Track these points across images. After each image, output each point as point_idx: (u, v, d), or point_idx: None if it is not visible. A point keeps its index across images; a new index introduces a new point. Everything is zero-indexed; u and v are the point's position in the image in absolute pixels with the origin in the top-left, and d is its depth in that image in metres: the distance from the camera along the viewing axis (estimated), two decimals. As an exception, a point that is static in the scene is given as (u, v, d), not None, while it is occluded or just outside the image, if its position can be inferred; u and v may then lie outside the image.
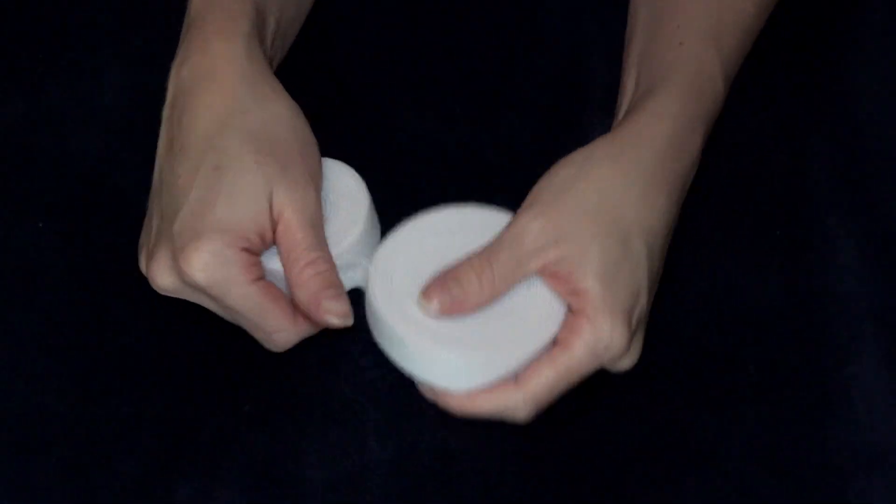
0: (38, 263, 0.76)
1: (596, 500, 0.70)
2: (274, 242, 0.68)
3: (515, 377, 0.67)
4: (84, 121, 0.82)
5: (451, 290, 0.67)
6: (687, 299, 0.76)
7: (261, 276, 0.67)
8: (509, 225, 0.68)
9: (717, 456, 0.72)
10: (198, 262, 0.65)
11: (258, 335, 0.69)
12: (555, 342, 0.67)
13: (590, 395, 0.72)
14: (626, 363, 0.69)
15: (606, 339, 0.66)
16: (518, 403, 0.67)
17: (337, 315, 0.67)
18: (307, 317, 0.68)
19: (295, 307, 0.68)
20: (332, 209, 0.71)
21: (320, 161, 0.71)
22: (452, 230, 0.70)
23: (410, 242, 0.70)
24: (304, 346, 0.73)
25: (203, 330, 0.73)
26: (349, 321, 0.67)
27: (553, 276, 0.67)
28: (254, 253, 0.67)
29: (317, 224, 0.68)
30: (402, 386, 0.72)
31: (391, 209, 0.72)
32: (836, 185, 0.81)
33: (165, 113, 0.71)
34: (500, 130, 0.83)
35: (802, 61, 0.87)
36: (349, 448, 0.70)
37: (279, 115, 0.69)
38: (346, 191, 0.72)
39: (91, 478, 0.69)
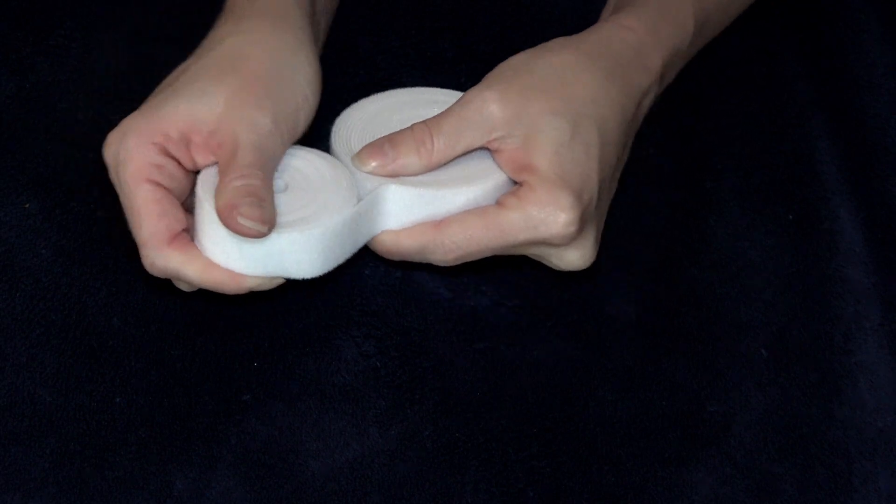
0: (25, 246, 0.75)
1: (602, 481, 0.70)
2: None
3: (437, 221, 0.66)
4: (75, 100, 0.81)
5: (386, 153, 0.66)
6: (703, 277, 0.76)
7: (158, 183, 0.64)
8: (460, 98, 0.67)
9: (724, 436, 0.72)
10: (110, 139, 0.65)
11: (138, 244, 0.66)
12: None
13: (593, 376, 0.72)
14: (574, 258, 0.68)
15: (546, 211, 0.65)
16: (436, 244, 0.66)
17: (250, 218, 0.62)
18: (227, 223, 0.63)
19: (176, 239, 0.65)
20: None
21: (304, 117, 0.68)
22: (416, 104, 0.71)
23: (370, 110, 0.70)
24: (304, 332, 0.72)
25: (200, 317, 0.73)
26: (264, 229, 0.62)
27: (500, 152, 0.66)
28: (169, 155, 0.64)
29: (264, 149, 0.65)
30: (405, 373, 0.72)
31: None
32: (844, 174, 0.82)
33: None
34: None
35: (810, 51, 0.88)
36: (349, 437, 0.70)
37: (271, 43, 0.67)
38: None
39: (84, 470, 0.68)
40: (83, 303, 0.73)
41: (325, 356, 0.72)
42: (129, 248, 0.74)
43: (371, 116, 0.70)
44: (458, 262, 0.67)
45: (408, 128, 0.67)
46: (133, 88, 0.74)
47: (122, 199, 0.65)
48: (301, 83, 0.67)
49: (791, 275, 0.78)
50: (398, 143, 0.66)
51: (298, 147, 0.68)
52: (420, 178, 0.67)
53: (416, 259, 0.67)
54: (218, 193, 0.63)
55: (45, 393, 0.70)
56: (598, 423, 0.72)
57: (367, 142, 0.68)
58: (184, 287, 0.67)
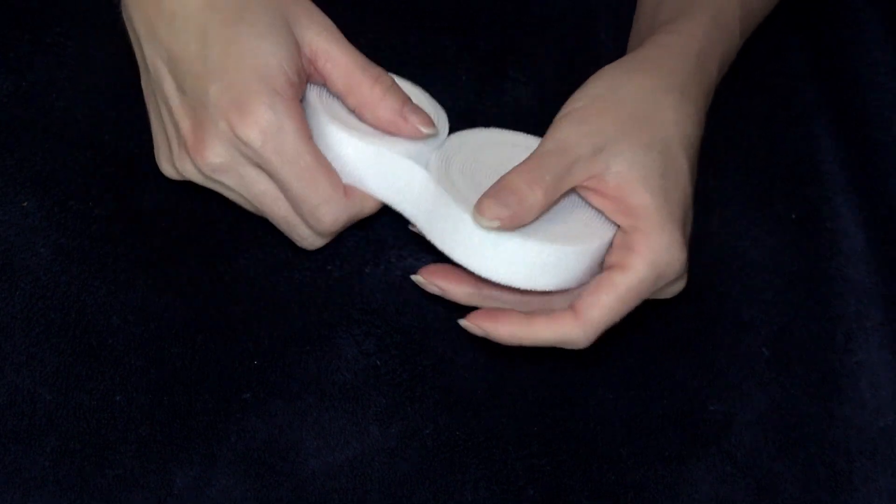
0: (24, 245, 0.75)
1: (602, 480, 0.70)
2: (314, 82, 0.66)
3: (572, 306, 0.64)
4: (72, 98, 0.80)
5: (506, 200, 0.63)
6: (704, 275, 0.76)
7: (310, 136, 0.64)
8: (548, 134, 0.65)
9: (725, 435, 0.72)
10: (250, 119, 0.62)
11: (302, 210, 0.64)
12: (609, 267, 0.64)
13: (594, 375, 0.72)
14: (679, 287, 0.67)
15: (667, 255, 0.63)
16: (577, 334, 0.64)
17: (424, 124, 0.65)
18: (394, 129, 0.65)
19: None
20: None
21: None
22: (501, 145, 0.69)
23: (465, 146, 0.68)
24: (304, 330, 0.72)
25: (200, 315, 0.72)
26: (434, 130, 0.65)
27: (598, 192, 0.64)
28: (298, 97, 0.64)
29: (356, 51, 0.65)
30: (405, 371, 0.71)
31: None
32: (846, 173, 0.82)
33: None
34: (507, 99, 0.82)
35: (812, 51, 0.88)
36: (349, 435, 0.70)
37: None
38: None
39: (84, 468, 0.68)
40: (82, 301, 0.73)
41: (326, 354, 0.72)
42: (128, 246, 0.74)
43: (467, 155, 0.68)
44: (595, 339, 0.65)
45: (513, 173, 0.63)
46: (130, 86, 0.73)
47: (286, 168, 0.63)
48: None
49: (792, 274, 0.78)
50: (516, 192, 0.63)
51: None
52: (537, 231, 0.64)
53: (550, 346, 0.65)
54: (369, 110, 0.64)
55: (45, 391, 0.70)
56: (598, 422, 0.72)
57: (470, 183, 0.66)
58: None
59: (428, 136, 0.65)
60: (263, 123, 0.62)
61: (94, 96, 0.80)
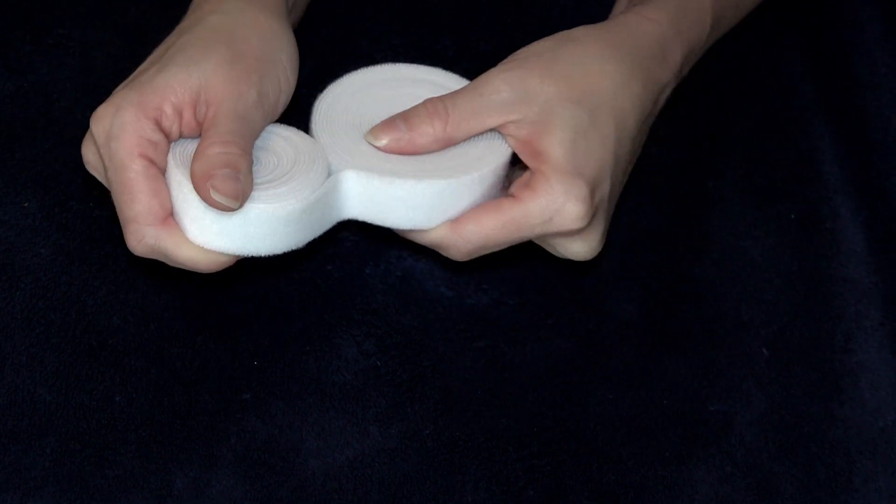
0: (24, 245, 0.75)
1: (602, 480, 0.70)
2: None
3: (454, 219, 0.66)
4: (73, 99, 0.80)
5: (399, 128, 0.65)
6: (704, 275, 0.76)
7: (151, 160, 0.63)
8: (477, 78, 0.66)
9: (725, 435, 0.72)
10: (101, 113, 0.63)
11: (122, 223, 0.64)
12: (506, 195, 0.66)
13: (594, 375, 0.72)
14: (582, 249, 0.67)
15: (560, 201, 0.64)
16: (451, 241, 0.66)
17: (224, 193, 0.61)
18: (200, 193, 0.62)
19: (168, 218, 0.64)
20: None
21: (284, 98, 0.67)
22: (400, 82, 0.70)
23: (350, 88, 0.69)
24: (304, 331, 0.72)
25: (200, 315, 0.72)
26: (235, 205, 0.62)
27: (513, 136, 0.66)
28: (162, 131, 0.63)
29: (247, 120, 0.64)
30: (405, 372, 0.71)
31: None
32: (846, 173, 0.82)
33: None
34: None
35: (812, 51, 0.88)
36: (350, 435, 0.69)
37: (258, 23, 0.67)
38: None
39: (84, 469, 0.68)
40: (83, 301, 0.73)
41: (326, 355, 0.72)
42: (125, 248, 0.74)
43: (353, 93, 0.69)
44: (472, 257, 0.67)
45: (421, 104, 0.66)
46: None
47: (112, 174, 0.63)
48: (284, 63, 0.67)
49: (792, 274, 0.78)
50: (412, 119, 0.66)
51: (276, 124, 0.68)
52: (392, 166, 0.66)
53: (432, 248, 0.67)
54: (196, 157, 0.62)
55: (45, 392, 0.70)
56: (598, 422, 0.72)
57: (350, 119, 0.67)
58: (171, 263, 0.65)
59: (223, 207, 0.62)
60: (105, 123, 0.63)
61: (95, 96, 0.79)
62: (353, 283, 0.73)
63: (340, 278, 0.75)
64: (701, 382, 0.73)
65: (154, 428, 0.69)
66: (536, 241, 0.69)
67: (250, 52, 0.65)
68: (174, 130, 0.64)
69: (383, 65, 0.71)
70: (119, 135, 0.63)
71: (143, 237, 0.63)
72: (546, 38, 0.68)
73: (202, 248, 0.64)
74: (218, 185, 0.61)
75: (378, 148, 0.66)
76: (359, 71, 0.71)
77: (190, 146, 0.65)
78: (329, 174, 0.65)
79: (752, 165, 0.82)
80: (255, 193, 0.63)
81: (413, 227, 0.66)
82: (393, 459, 0.69)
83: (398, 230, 0.67)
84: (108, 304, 0.73)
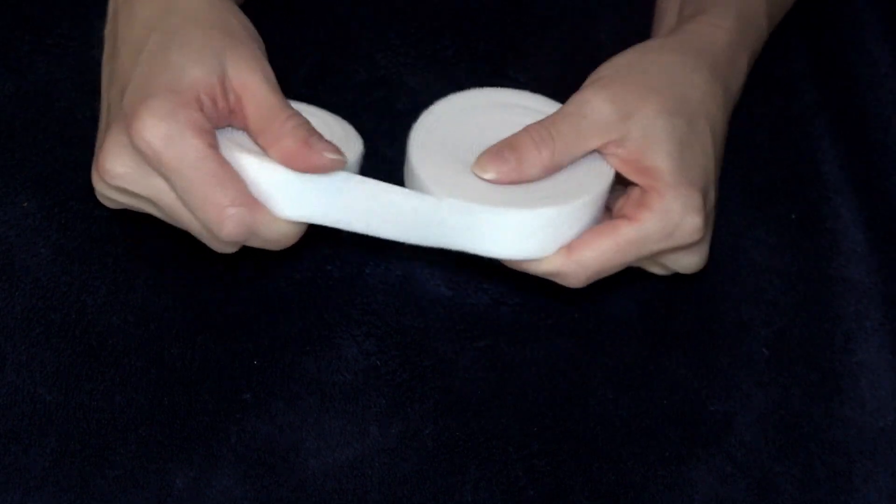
0: (24, 245, 0.75)
1: (602, 480, 0.70)
2: (231, 122, 0.64)
3: (569, 244, 0.64)
4: (73, 99, 0.80)
5: (507, 159, 0.63)
6: (704, 275, 0.76)
7: (215, 145, 0.62)
8: (570, 99, 0.65)
9: (725, 435, 0.72)
10: (150, 122, 0.60)
11: (209, 216, 0.63)
12: (619, 216, 0.64)
13: (594, 375, 0.72)
14: (694, 261, 0.67)
15: (678, 216, 0.63)
16: (568, 269, 0.64)
17: (332, 151, 0.62)
18: (300, 158, 0.62)
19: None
20: None
21: (265, 55, 0.67)
22: (492, 108, 0.68)
23: (449, 120, 0.68)
24: (304, 331, 0.72)
25: (200, 315, 0.72)
26: (343, 160, 0.62)
27: (617, 156, 0.65)
28: (207, 118, 0.63)
29: (279, 92, 0.63)
30: (405, 372, 0.71)
31: (397, 175, 0.70)
32: (846, 174, 0.82)
33: (107, 28, 0.68)
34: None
35: (812, 51, 0.88)
36: (350, 435, 0.69)
37: (226, 9, 0.66)
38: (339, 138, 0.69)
39: (84, 469, 0.68)
40: (83, 301, 0.73)
41: (326, 355, 0.72)
42: (128, 246, 0.74)
43: (448, 121, 0.68)
44: (590, 283, 0.65)
45: (524, 132, 0.64)
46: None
47: (184, 173, 0.61)
48: (256, 33, 0.66)
49: (792, 274, 0.78)
50: (519, 149, 0.64)
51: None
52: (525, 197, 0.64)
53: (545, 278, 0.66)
54: (279, 137, 0.62)
55: (45, 392, 0.70)
56: (598, 422, 0.72)
57: (449, 149, 0.66)
58: (255, 244, 0.65)
59: (335, 165, 0.63)
60: (163, 128, 0.61)
61: (95, 96, 0.80)
62: (353, 283, 0.73)
63: (340, 278, 0.75)
64: (701, 382, 0.73)
65: (154, 428, 0.69)
66: (644, 265, 0.68)
67: (238, 30, 0.65)
68: (213, 119, 0.63)
69: (471, 90, 0.70)
70: (182, 133, 0.61)
71: (242, 219, 0.62)
72: (625, 52, 0.68)
73: (288, 221, 0.64)
74: (317, 146, 0.61)
75: (486, 180, 0.64)
76: (449, 97, 0.69)
77: (229, 132, 0.64)
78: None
79: (752, 165, 0.82)
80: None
81: (526, 257, 0.65)
82: (393, 459, 0.69)
83: (506, 260, 0.66)
84: (108, 304, 0.73)
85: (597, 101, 0.64)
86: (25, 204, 0.76)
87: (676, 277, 0.71)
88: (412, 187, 0.66)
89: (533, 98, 0.70)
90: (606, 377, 0.73)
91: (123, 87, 0.63)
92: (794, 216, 0.80)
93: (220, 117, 0.63)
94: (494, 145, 0.65)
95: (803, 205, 0.80)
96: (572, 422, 0.71)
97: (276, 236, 0.64)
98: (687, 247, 0.65)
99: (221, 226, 0.63)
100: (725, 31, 0.70)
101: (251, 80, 0.63)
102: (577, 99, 0.65)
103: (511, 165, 0.64)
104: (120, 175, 0.63)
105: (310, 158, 0.62)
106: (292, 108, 0.63)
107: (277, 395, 0.70)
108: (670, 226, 0.63)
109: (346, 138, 0.68)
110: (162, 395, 0.70)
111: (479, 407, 0.71)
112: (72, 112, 0.79)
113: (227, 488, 0.68)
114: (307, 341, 0.72)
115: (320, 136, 0.63)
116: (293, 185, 0.63)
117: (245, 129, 0.64)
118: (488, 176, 0.64)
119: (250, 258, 0.74)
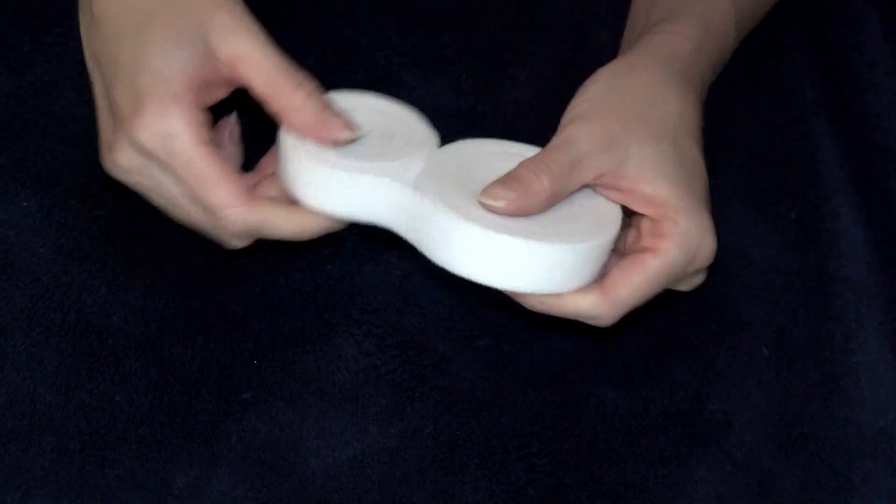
0: (24, 245, 0.75)
1: (603, 479, 0.70)
2: (237, 88, 0.64)
3: (600, 284, 0.64)
4: (73, 98, 0.80)
5: (513, 188, 0.63)
6: (707, 275, 0.76)
7: (210, 141, 0.63)
8: (555, 137, 0.65)
9: (725, 435, 0.72)
10: (141, 123, 0.61)
11: (207, 217, 0.64)
12: (640, 250, 0.64)
13: (594, 374, 0.72)
14: (701, 279, 0.67)
15: (697, 240, 0.63)
16: (603, 311, 0.64)
17: (348, 127, 0.63)
18: (315, 132, 0.63)
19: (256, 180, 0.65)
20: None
21: None
22: (492, 155, 0.68)
23: (453, 161, 0.67)
24: (304, 330, 0.72)
25: (199, 315, 0.72)
26: (357, 132, 0.63)
27: (614, 188, 0.65)
28: (203, 109, 0.63)
29: (284, 60, 0.63)
30: (405, 371, 0.71)
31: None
32: (846, 173, 0.82)
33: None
34: (506, 99, 0.82)
35: (812, 51, 0.88)
36: (350, 435, 0.69)
37: None
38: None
39: (84, 468, 0.68)
40: (83, 301, 0.73)
41: (326, 354, 0.72)
42: (128, 246, 0.74)
43: (456, 163, 0.67)
44: (620, 318, 0.65)
45: (521, 165, 0.64)
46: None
47: (184, 170, 0.62)
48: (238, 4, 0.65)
49: (792, 273, 0.78)
50: (522, 179, 0.63)
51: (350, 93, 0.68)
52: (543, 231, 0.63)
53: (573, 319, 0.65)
54: (289, 110, 0.63)
55: (45, 391, 0.70)
56: (598, 421, 0.71)
57: (457, 182, 0.65)
58: (270, 237, 0.65)
59: (349, 140, 0.63)
60: (156, 127, 0.62)
61: (94, 96, 0.80)
62: (353, 283, 0.73)
63: (340, 278, 0.75)
64: (701, 382, 0.73)
65: (154, 428, 0.69)
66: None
67: (220, 12, 0.64)
68: (209, 102, 0.64)
69: (456, 143, 0.69)
70: (179, 131, 0.62)
71: (241, 217, 0.63)
72: (595, 79, 0.67)
73: (306, 217, 0.64)
74: (339, 123, 0.63)
75: (495, 208, 0.63)
76: (447, 147, 0.69)
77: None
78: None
79: (753, 165, 0.82)
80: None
81: (550, 291, 0.64)
82: (393, 459, 0.69)
83: (523, 294, 0.65)
84: (107, 304, 0.73)
85: (581, 137, 0.64)
86: (25, 203, 0.76)
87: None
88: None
89: (518, 146, 0.69)
90: (607, 376, 0.73)
91: (113, 76, 0.63)
92: (794, 216, 0.80)
93: (219, 89, 0.64)
94: (497, 178, 0.64)
95: (803, 205, 0.80)
96: (572, 421, 0.71)
97: (286, 233, 0.64)
98: (709, 264, 0.66)
99: (220, 226, 0.63)
100: (689, 39, 0.70)
101: (239, 46, 0.63)
102: (561, 137, 0.65)
103: (517, 193, 0.63)
104: (126, 169, 0.64)
105: (323, 132, 0.63)
106: (300, 74, 0.63)
107: (277, 394, 0.70)
108: (692, 249, 0.64)
109: (424, 138, 0.68)
110: (162, 394, 0.70)
111: (479, 406, 0.71)
112: (71, 112, 0.79)
113: (227, 488, 0.68)
114: (307, 341, 0.72)
115: (333, 110, 0.63)
116: (329, 179, 0.63)
117: (252, 93, 0.64)
118: (498, 203, 0.63)
119: (250, 258, 0.74)
